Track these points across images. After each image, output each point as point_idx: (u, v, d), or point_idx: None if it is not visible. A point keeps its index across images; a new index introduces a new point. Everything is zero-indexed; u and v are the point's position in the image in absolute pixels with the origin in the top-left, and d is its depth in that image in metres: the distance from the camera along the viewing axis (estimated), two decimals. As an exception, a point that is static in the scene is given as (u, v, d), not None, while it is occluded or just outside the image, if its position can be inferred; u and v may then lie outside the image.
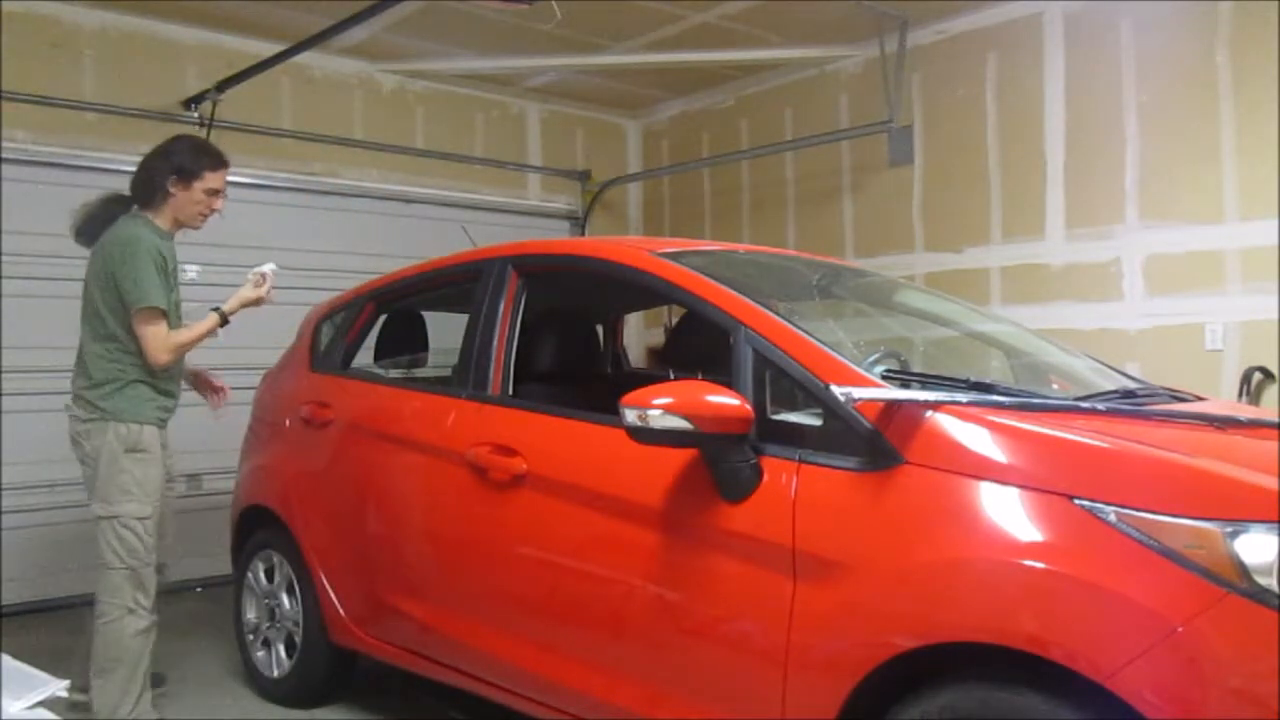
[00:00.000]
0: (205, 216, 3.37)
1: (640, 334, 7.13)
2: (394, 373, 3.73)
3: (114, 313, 3.18)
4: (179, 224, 3.33)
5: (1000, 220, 5.28)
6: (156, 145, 3.35)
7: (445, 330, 3.69)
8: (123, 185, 4.75)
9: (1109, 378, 2.87)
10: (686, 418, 2.09)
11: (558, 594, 2.61)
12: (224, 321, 3.34)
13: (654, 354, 6.92)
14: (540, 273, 3.11)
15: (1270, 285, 4.30)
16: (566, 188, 7.10)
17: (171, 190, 3.25)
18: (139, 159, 3.36)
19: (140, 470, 3.18)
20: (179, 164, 3.25)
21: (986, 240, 5.33)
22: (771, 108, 6.45)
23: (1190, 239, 4.57)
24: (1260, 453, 1.95)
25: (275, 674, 3.62)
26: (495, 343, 2.97)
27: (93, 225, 3.32)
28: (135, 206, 3.31)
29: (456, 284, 3.44)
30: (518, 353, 2.99)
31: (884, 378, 2.17)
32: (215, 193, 3.33)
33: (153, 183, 3.26)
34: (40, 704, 1.75)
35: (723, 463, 2.17)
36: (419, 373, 3.81)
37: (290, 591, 3.57)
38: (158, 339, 3.15)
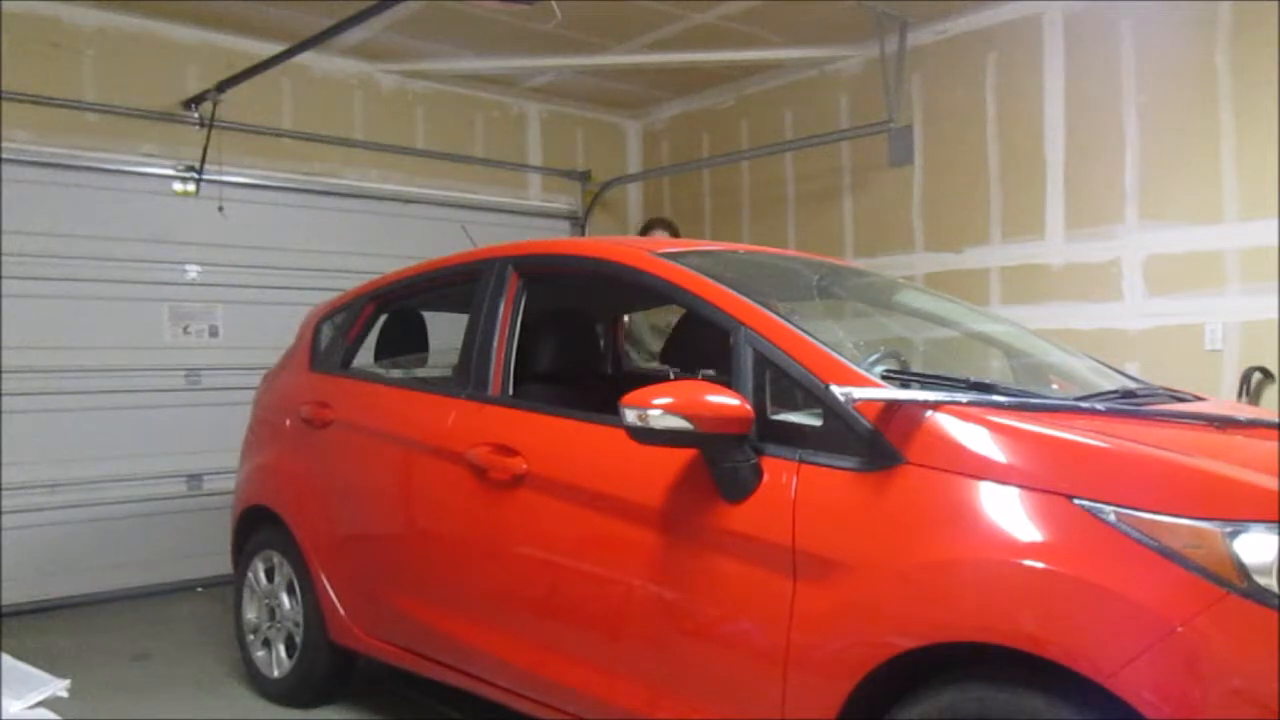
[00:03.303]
0: None
1: (640, 334, 7.13)
2: (394, 373, 3.73)
3: None
4: None
5: (1000, 220, 5.28)
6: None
7: (445, 330, 3.70)
8: (122, 185, 4.85)
9: (1109, 378, 2.87)
10: (686, 418, 2.09)
11: (558, 594, 2.61)
12: None
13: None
14: (540, 273, 3.11)
15: (1270, 285, 4.30)
16: (566, 188, 7.10)
17: None
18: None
19: None
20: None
21: (986, 240, 5.33)
22: (771, 108, 6.44)
23: (1190, 239, 4.57)
24: (1260, 453, 1.94)
25: (275, 674, 3.62)
26: (495, 343, 2.97)
27: None
28: None
29: (456, 284, 3.43)
30: (518, 353, 2.99)
31: (884, 378, 2.17)
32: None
33: None
34: (40, 704, 1.75)
35: (723, 463, 2.17)
36: (419, 373, 3.81)
37: (290, 591, 3.57)
38: None
